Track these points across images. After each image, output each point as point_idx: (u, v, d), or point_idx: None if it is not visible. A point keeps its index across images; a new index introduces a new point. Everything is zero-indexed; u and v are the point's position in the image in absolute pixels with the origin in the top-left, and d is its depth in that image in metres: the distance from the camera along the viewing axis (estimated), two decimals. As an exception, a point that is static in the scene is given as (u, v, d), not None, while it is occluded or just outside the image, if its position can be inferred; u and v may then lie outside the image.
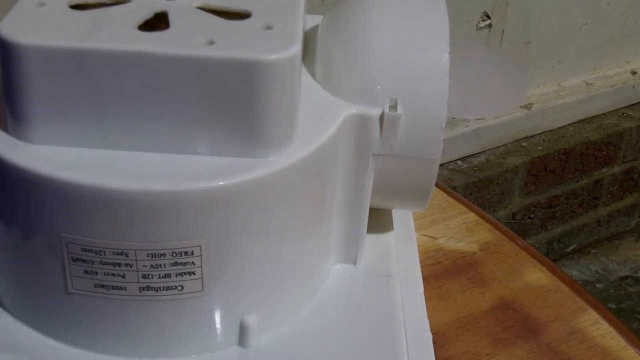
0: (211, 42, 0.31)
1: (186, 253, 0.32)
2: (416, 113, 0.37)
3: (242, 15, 0.34)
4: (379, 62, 0.37)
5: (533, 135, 1.14)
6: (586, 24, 1.14)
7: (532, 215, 1.18)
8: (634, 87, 1.23)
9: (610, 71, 1.22)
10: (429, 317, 0.39)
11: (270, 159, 0.33)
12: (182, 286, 0.33)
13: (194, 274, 0.33)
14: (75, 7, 0.33)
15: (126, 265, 0.32)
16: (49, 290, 0.34)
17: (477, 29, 1.03)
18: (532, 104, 1.13)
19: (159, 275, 0.32)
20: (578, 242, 1.28)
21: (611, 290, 1.20)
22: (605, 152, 1.20)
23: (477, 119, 1.08)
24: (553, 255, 1.25)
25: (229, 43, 0.31)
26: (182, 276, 0.33)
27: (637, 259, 1.27)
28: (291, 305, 0.37)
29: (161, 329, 0.34)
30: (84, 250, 0.32)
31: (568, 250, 1.27)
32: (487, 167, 1.08)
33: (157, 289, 0.33)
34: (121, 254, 0.32)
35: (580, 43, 1.16)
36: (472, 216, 0.54)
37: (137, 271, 0.32)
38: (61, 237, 0.32)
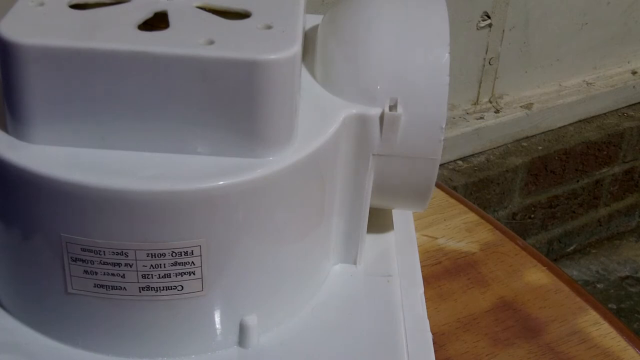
0: (211, 42, 0.31)
1: (186, 253, 0.32)
2: (416, 113, 0.36)
3: (242, 15, 0.34)
4: (379, 62, 0.36)
5: (533, 135, 1.14)
6: (586, 24, 1.14)
7: (532, 215, 1.18)
8: (634, 87, 1.23)
9: (610, 71, 1.22)
10: (429, 317, 0.39)
11: (270, 158, 0.33)
12: (182, 286, 0.33)
13: (194, 274, 0.33)
14: (75, 6, 0.33)
15: (126, 265, 0.32)
16: (49, 290, 0.34)
17: (477, 29, 1.03)
18: (533, 104, 1.13)
19: (159, 275, 0.32)
20: (578, 242, 1.28)
21: (611, 291, 1.20)
22: (605, 152, 1.20)
23: (477, 119, 1.08)
24: (553, 255, 1.25)
25: (228, 43, 0.31)
26: (182, 276, 0.33)
27: (638, 259, 1.27)
28: (291, 306, 0.37)
29: (161, 329, 0.34)
30: (83, 250, 0.32)
31: (568, 250, 1.27)
32: (487, 167, 1.08)
33: (157, 289, 0.33)
34: (121, 254, 0.32)
35: (580, 43, 1.16)
36: (472, 216, 0.54)
37: (137, 271, 0.32)
38: (61, 237, 0.32)
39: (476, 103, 1.10)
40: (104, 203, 0.31)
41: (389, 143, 0.37)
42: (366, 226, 0.40)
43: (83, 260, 0.32)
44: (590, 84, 1.19)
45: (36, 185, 0.31)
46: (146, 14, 0.33)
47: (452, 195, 0.56)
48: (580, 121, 1.18)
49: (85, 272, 0.33)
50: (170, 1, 0.35)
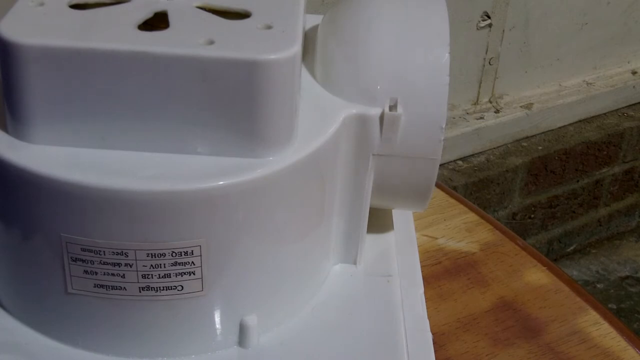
0: (211, 42, 0.31)
1: (186, 253, 0.32)
2: (416, 113, 0.36)
3: (242, 15, 0.34)
4: (379, 62, 0.36)
5: (533, 135, 1.14)
6: (586, 24, 1.14)
7: (532, 215, 1.18)
8: (634, 86, 1.23)
9: (610, 71, 1.22)
10: (429, 317, 0.39)
11: (270, 158, 0.33)
12: (182, 286, 0.33)
13: (194, 274, 0.33)
14: (75, 6, 0.33)
15: (126, 265, 0.32)
16: (49, 291, 0.34)
17: (477, 29, 1.03)
18: (533, 104, 1.13)
19: (159, 275, 0.32)
20: (578, 242, 1.28)
21: (611, 291, 1.20)
22: (605, 152, 1.20)
23: (477, 119, 1.08)
24: (553, 255, 1.25)
25: (228, 43, 0.31)
26: (182, 276, 0.33)
27: (638, 259, 1.27)
28: (291, 305, 0.37)
29: (161, 329, 0.34)
30: (83, 250, 0.32)
31: (568, 250, 1.27)
32: (487, 167, 1.08)
33: (157, 289, 0.33)
34: (121, 254, 0.32)
35: (580, 43, 1.16)
36: (472, 216, 0.54)
37: (137, 271, 0.32)
38: (61, 237, 0.32)
39: (476, 103, 1.10)
40: (104, 203, 0.31)
41: (389, 143, 0.37)
42: (366, 226, 0.40)
43: (83, 260, 0.32)
44: (590, 84, 1.19)
45: (36, 185, 0.31)
46: (146, 14, 0.33)
47: (452, 195, 0.56)
48: (580, 121, 1.18)
49: (85, 272, 0.33)
50: (170, 1, 0.35)
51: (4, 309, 0.37)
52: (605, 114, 1.21)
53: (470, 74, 1.06)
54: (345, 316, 0.38)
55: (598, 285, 1.21)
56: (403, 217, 0.46)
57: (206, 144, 0.33)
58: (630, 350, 0.44)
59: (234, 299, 0.35)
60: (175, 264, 0.32)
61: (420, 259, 0.43)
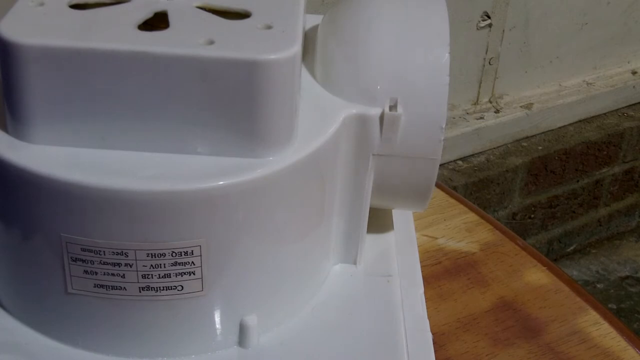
0: (211, 42, 0.31)
1: (186, 253, 0.32)
2: (416, 113, 0.37)
3: (242, 15, 0.34)
4: (379, 62, 0.36)
5: (533, 135, 1.14)
6: (586, 24, 1.14)
7: (532, 215, 1.18)
8: (634, 86, 1.23)
9: (610, 71, 1.22)
10: (429, 317, 0.39)
11: (270, 158, 0.33)
12: (182, 286, 0.33)
13: (194, 274, 0.33)
14: (75, 6, 0.33)
15: (126, 265, 0.32)
16: (49, 291, 0.34)
17: (477, 29, 1.03)
18: (533, 104, 1.13)
19: (159, 275, 0.32)
20: (578, 242, 1.28)
21: (611, 291, 1.20)
22: (605, 152, 1.20)
23: (477, 119, 1.08)
24: (553, 255, 1.25)
25: (228, 43, 0.31)
26: (182, 276, 0.33)
27: (638, 259, 1.27)
28: (291, 305, 0.37)
29: (161, 329, 0.34)
30: (83, 250, 0.32)
31: (568, 250, 1.27)
32: (487, 167, 1.08)
33: (157, 289, 0.33)
34: (121, 254, 0.32)
35: (580, 43, 1.16)
36: (472, 216, 0.54)
37: (137, 271, 0.32)
38: (61, 237, 0.32)
39: (476, 103, 1.10)
40: (104, 203, 0.31)
41: (389, 143, 0.37)
42: (366, 226, 0.40)
43: (83, 260, 0.32)
44: (590, 84, 1.19)
45: (36, 185, 0.31)
46: (146, 14, 0.33)
47: (452, 195, 0.56)
48: (580, 121, 1.18)
49: (85, 272, 0.33)
50: (170, 1, 0.35)
51: (4, 309, 0.37)
52: (605, 114, 1.21)
53: (470, 74, 1.06)
54: (345, 316, 0.38)
55: (598, 285, 1.21)
56: (403, 217, 0.46)
57: (206, 144, 0.33)
58: (630, 350, 0.44)
59: (234, 299, 0.35)
60: (175, 264, 0.32)
61: (420, 259, 0.43)
